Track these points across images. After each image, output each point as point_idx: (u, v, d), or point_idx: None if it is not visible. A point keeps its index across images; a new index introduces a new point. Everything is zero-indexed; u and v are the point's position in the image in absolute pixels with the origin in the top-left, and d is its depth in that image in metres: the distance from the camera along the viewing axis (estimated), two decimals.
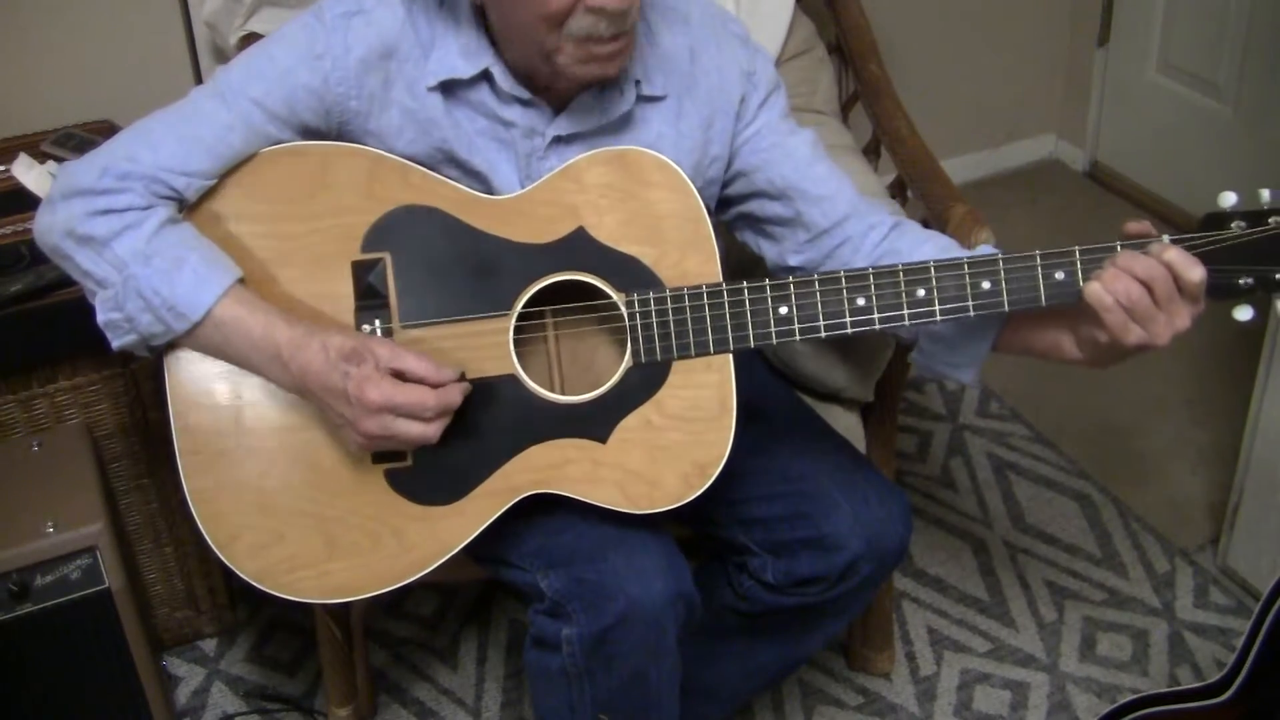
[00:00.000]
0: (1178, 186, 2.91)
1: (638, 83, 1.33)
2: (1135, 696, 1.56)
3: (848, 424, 1.70)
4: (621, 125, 1.35)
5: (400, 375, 1.22)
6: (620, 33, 1.21)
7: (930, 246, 1.38)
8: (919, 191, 1.70)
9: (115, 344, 1.26)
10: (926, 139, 1.79)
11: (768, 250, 1.44)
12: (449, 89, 1.30)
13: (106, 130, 1.94)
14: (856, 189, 1.42)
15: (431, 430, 1.23)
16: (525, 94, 1.31)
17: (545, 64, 1.24)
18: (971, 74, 2.97)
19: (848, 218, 1.40)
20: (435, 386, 1.22)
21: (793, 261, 1.42)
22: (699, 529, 1.51)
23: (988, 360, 1.37)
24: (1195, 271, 1.17)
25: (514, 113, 1.32)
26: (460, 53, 1.29)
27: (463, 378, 1.26)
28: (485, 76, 1.30)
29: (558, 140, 1.33)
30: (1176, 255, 1.17)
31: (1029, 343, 1.32)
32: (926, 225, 1.65)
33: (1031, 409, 2.42)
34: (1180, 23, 2.80)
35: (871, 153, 1.97)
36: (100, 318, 1.25)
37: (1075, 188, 3.12)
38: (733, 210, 1.45)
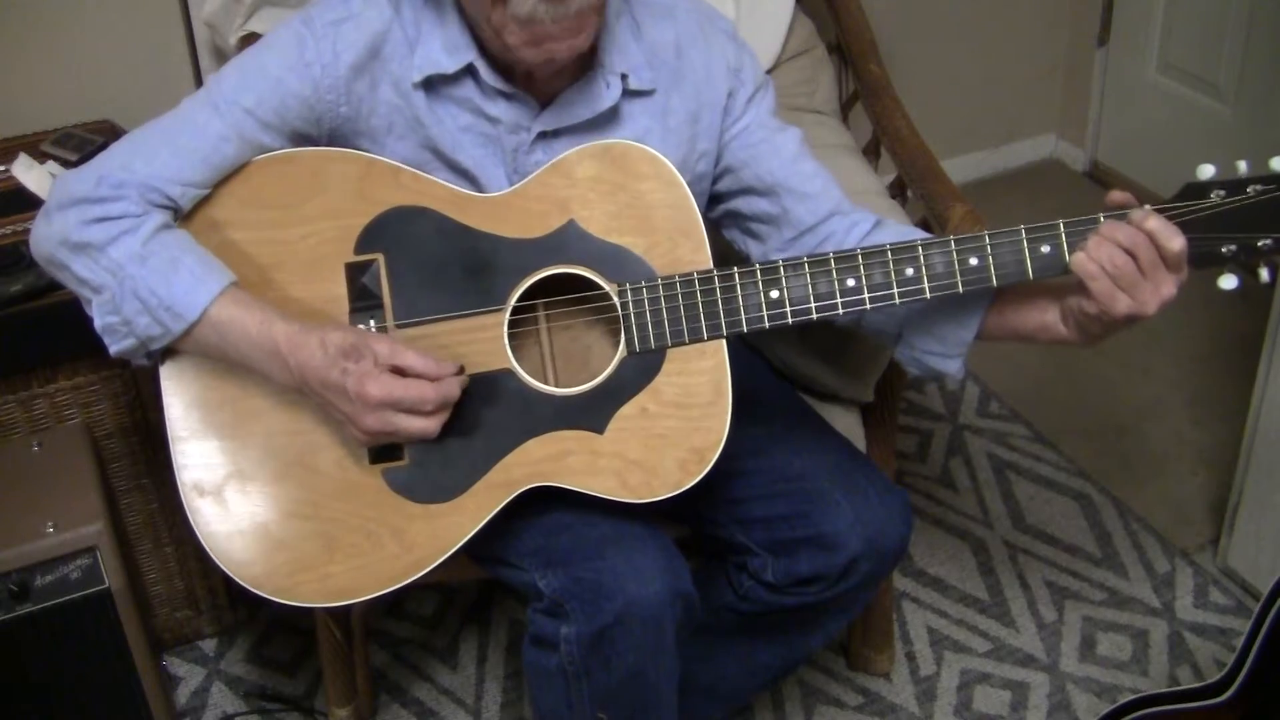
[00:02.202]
0: (1178, 186, 2.90)
1: (624, 76, 1.33)
2: (1135, 696, 1.56)
3: (848, 424, 1.70)
4: (607, 120, 1.35)
5: (399, 371, 1.22)
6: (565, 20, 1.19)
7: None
8: (919, 191, 1.70)
9: (114, 349, 1.26)
10: (926, 139, 1.79)
11: (753, 249, 1.45)
12: (432, 85, 1.30)
13: (107, 130, 1.94)
14: (841, 188, 1.42)
15: (432, 425, 1.23)
16: (509, 88, 1.30)
17: (500, 45, 1.23)
18: (971, 74, 2.97)
19: (832, 215, 1.40)
20: (434, 380, 1.23)
21: (776, 258, 1.41)
22: (698, 529, 1.52)
23: (982, 354, 1.37)
24: (1175, 241, 1.19)
25: (499, 108, 1.32)
26: (443, 48, 1.29)
27: (461, 371, 1.26)
28: (469, 72, 1.30)
29: (543, 135, 1.33)
30: (1157, 224, 1.20)
31: (1015, 325, 1.33)
32: (926, 225, 1.66)
33: (1031, 409, 2.42)
34: (1180, 23, 2.80)
35: (871, 153, 1.97)
36: (98, 322, 1.25)
37: (1075, 188, 3.12)
38: (720, 208, 1.46)
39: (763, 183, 1.40)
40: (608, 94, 1.33)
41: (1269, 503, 1.94)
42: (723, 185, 1.43)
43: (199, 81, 2.11)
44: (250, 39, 1.92)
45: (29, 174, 1.85)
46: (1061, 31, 3.05)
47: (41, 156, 1.89)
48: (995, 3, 2.91)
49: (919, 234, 1.42)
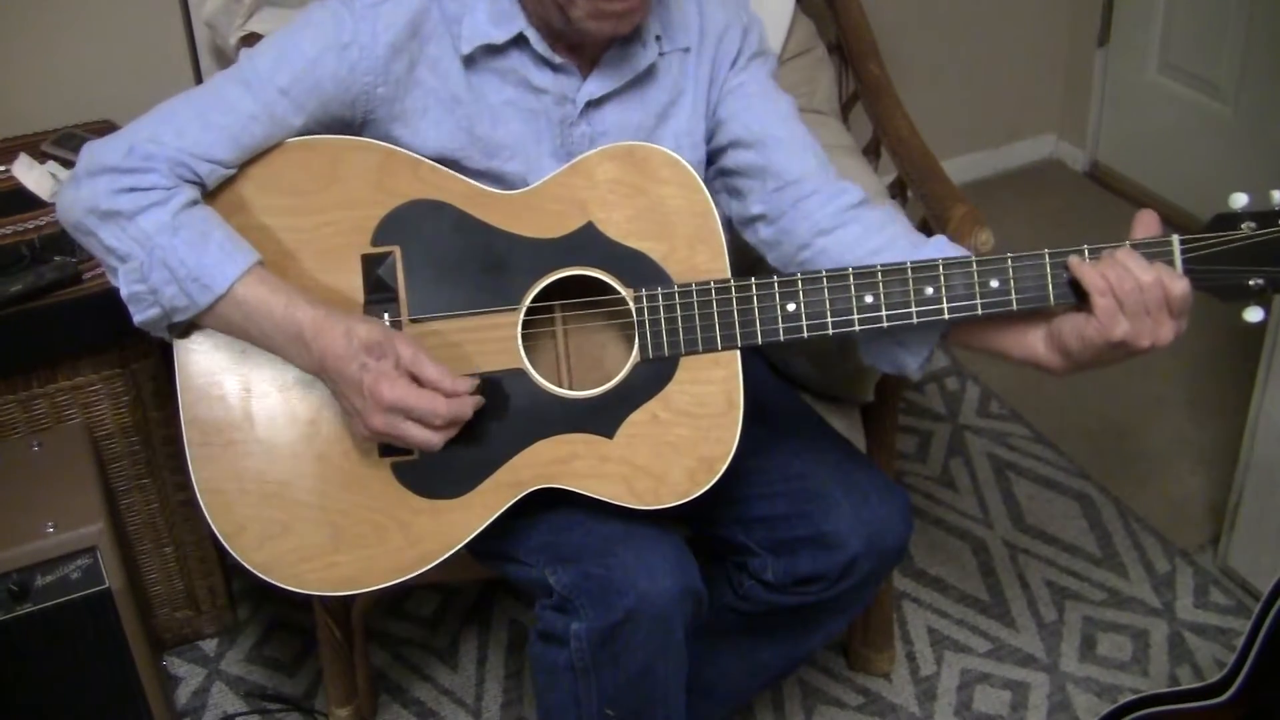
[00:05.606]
0: (1178, 186, 2.91)
1: (658, 38, 1.36)
2: (1135, 696, 1.56)
3: (848, 424, 1.70)
4: (647, 77, 1.38)
5: (416, 379, 1.22)
6: None
7: (882, 237, 1.36)
8: (919, 191, 1.70)
9: (138, 319, 1.26)
10: (926, 139, 1.79)
11: (734, 207, 1.44)
12: (473, 60, 1.31)
13: (107, 130, 1.94)
14: (829, 160, 1.42)
15: (437, 438, 1.23)
16: (557, 58, 1.32)
17: (561, 18, 1.26)
18: (971, 74, 2.97)
19: (814, 174, 1.40)
20: (448, 396, 1.23)
21: (755, 210, 1.41)
22: (699, 529, 1.51)
23: (983, 355, 1.35)
24: (1179, 284, 1.18)
25: (545, 79, 1.33)
26: (490, 19, 1.30)
27: (479, 390, 1.25)
28: (517, 42, 1.31)
29: (589, 105, 1.35)
30: (1164, 268, 1.19)
31: (988, 339, 1.31)
32: (926, 225, 1.66)
33: (1031, 409, 2.42)
34: (1180, 23, 2.80)
35: (871, 153, 1.97)
36: (124, 291, 1.25)
37: (1075, 188, 3.12)
38: (709, 167, 1.46)
39: (750, 132, 1.41)
40: (645, 53, 1.36)
41: (1269, 503, 1.94)
42: (714, 140, 1.44)
43: (199, 82, 2.11)
44: (251, 39, 1.92)
45: (29, 174, 1.85)
46: (1061, 31, 3.05)
47: (41, 156, 1.89)
48: (995, 3, 2.91)
49: (891, 225, 1.38)
